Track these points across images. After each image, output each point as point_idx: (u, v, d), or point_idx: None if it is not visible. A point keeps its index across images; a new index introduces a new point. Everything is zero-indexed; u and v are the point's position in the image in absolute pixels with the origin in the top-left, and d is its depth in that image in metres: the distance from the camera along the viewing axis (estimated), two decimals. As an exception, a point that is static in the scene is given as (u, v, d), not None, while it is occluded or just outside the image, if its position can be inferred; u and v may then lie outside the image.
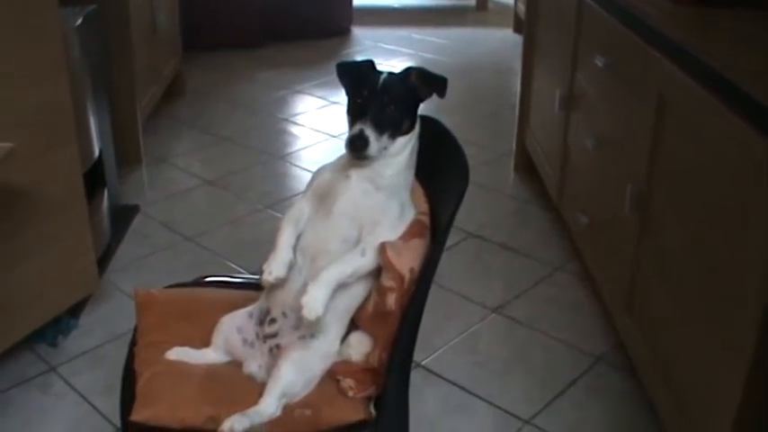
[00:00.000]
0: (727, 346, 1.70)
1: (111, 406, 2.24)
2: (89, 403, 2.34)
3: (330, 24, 6.41)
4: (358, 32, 6.55)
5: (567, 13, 2.97)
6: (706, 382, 1.83)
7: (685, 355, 1.96)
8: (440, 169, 1.66)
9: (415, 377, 2.44)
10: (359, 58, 5.77)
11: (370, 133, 1.58)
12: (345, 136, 1.63)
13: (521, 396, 2.40)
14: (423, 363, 2.53)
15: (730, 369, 1.67)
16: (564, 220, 3.18)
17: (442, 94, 1.66)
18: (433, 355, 2.57)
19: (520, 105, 3.83)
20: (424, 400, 2.37)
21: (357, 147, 1.59)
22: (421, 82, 1.66)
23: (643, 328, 2.25)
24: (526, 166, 3.81)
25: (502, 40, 6.26)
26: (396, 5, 7.65)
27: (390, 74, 1.66)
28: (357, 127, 1.60)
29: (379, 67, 1.70)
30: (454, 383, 2.45)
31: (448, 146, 1.63)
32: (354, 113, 1.64)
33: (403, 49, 6.02)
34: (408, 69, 1.67)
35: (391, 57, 5.74)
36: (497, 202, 3.66)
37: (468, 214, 3.45)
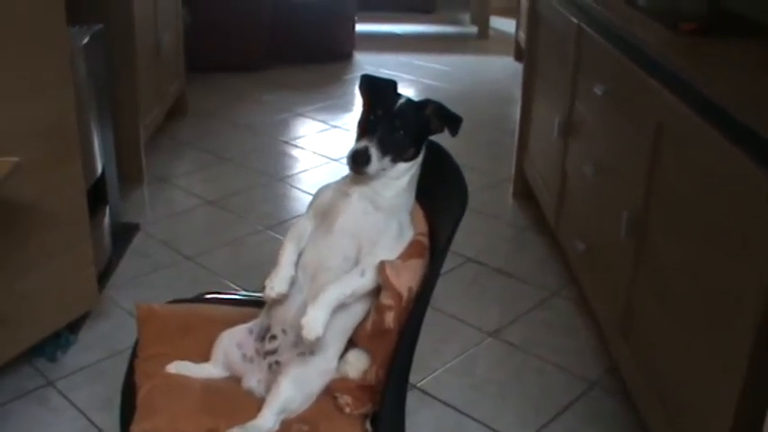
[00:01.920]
0: (723, 370, 1.71)
1: (109, 421, 2.26)
2: (87, 418, 2.35)
3: (333, 49, 6.48)
4: (360, 57, 6.62)
5: (567, 41, 3.01)
6: (701, 407, 1.84)
7: (681, 380, 1.97)
8: (440, 192, 1.69)
9: (411, 399, 2.45)
10: (356, 83, 5.85)
11: (373, 152, 1.60)
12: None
13: (515, 419, 2.42)
14: (418, 384, 2.54)
15: (726, 393, 1.69)
16: (561, 246, 3.21)
17: (454, 132, 1.68)
18: (430, 377, 2.59)
19: (519, 132, 3.86)
20: (420, 422, 2.39)
21: (358, 162, 1.61)
22: (436, 116, 1.68)
23: (638, 353, 2.27)
24: (525, 192, 3.84)
25: (503, 68, 6.32)
26: (398, 32, 7.72)
27: (409, 100, 1.68)
28: (362, 143, 1.62)
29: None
30: (450, 405, 2.47)
31: (449, 170, 1.65)
32: (364, 128, 1.66)
33: (404, 75, 6.07)
34: (427, 101, 1.69)
35: (393, 82, 5.77)
36: (495, 227, 3.69)
37: (467, 239, 3.48)
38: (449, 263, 3.25)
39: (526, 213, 3.78)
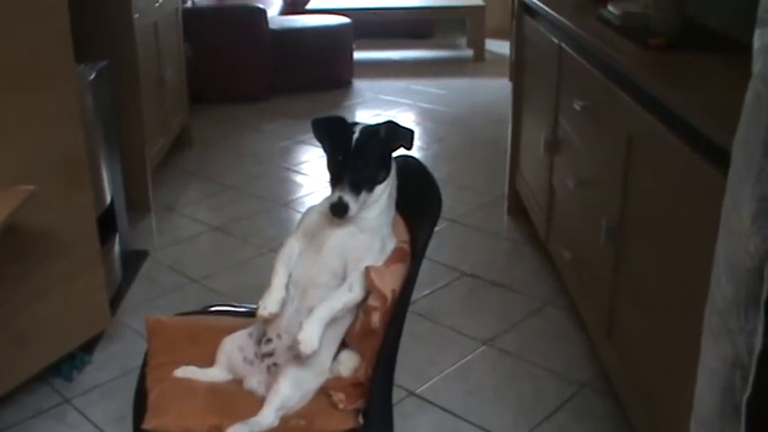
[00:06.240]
0: (694, 368, 1.81)
1: (124, 434, 2.40)
2: (102, 432, 2.49)
3: (332, 77, 6.66)
4: (359, 84, 6.78)
5: (550, 60, 3.16)
6: (680, 406, 1.92)
7: (657, 379, 2.08)
8: (417, 200, 1.83)
9: (409, 405, 2.60)
10: (356, 110, 5.99)
11: (348, 199, 1.74)
12: (329, 193, 1.79)
13: (509, 421, 2.54)
14: (417, 391, 2.67)
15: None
16: (551, 256, 3.34)
17: (408, 146, 1.80)
18: (427, 384, 2.71)
19: (511, 151, 3.99)
20: (418, 426, 2.51)
21: (338, 213, 1.75)
22: (391, 136, 1.79)
23: (622, 354, 2.38)
24: (518, 208, 3.96)
25: (499, 90, 6.45)
26: (395, 58, 7.89)
27: (362, 130, 1.78)
28: (336, 195, 1.75)
29: (366, 119, 1.84)
30: (446, 410, 2.59)
31: (423, 178, 1.80)
32: (333, 174, 1.80)
33: (402, 100, 6.21)
34: (378, 125, 1.79)
35: (391, 107, 5.93)
36: (491, 243, 3.82)
37: (464, 255, 3.62)
38: (446, 277, 3.42)
39: (520, 229, 3.91)
